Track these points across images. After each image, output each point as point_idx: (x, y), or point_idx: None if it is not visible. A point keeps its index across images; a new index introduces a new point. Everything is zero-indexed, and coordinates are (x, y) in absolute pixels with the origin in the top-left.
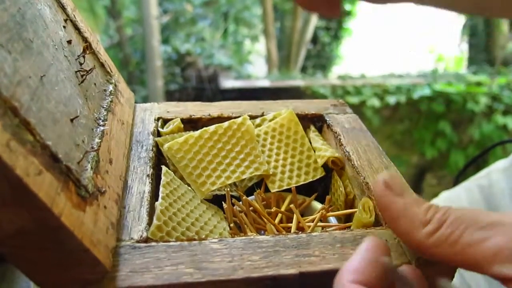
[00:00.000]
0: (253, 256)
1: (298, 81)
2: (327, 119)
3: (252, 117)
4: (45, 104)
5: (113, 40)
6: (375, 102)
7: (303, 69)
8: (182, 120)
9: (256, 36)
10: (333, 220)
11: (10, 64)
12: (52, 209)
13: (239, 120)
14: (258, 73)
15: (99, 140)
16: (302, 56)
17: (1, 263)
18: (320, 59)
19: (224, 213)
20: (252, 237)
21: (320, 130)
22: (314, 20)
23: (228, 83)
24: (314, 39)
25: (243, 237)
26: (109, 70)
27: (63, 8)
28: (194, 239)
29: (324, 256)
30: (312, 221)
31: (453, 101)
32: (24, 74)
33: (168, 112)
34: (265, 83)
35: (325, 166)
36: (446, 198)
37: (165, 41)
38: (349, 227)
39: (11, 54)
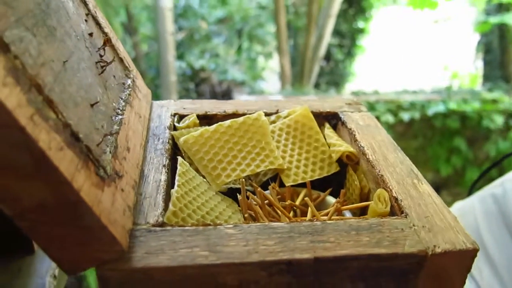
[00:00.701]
0: (268, 241)
1: (311, 97)
2: (342, 117)
3: (267, 114)
4: (67, 88)
5: (129, 56)
6: (389, 118)
7: (316, 86)
8: (198, 116)
9: (270, 53)
10: (347, 214)
11: (35, 46)
12: (72, 184)
13: (254, 115)
14: (271, 89)
15: (118, 127)
16: (315, 73)
17: (17, 258)
18: (334, 76)
19: (239, 205)
20: (267, 223)
21: (334, 128)
22: (328, 37)
23: (242, 98)
24: (328, 56)
25: (258, 224)
26: (127, 65)
27: (85, 3)
28: (209, 224)
29: (339, 243)
30: (327, 214)
31: (468, 117)
32: (48, 57)
33: (184, 108)
34: (278, 98)
35: (339, 161)
36: (460, 208)
37: (180, 57)
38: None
39: (36, 37)
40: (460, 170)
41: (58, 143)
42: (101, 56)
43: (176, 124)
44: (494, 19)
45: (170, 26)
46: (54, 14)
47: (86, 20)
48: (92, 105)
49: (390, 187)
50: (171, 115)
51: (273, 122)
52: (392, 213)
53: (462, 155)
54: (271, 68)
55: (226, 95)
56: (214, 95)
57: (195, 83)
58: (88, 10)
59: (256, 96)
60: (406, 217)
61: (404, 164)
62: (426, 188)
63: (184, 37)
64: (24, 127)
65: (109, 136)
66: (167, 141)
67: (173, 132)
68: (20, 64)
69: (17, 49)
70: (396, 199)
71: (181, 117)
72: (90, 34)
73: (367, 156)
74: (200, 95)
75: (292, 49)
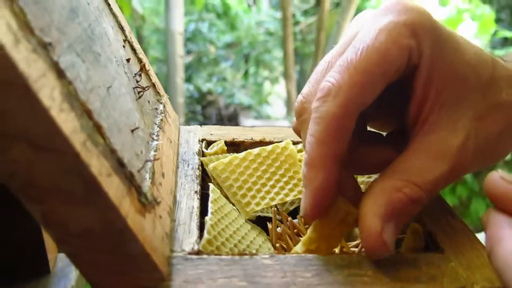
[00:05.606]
0: (305, 273)
1: None
2: None
3: (294, 143)
4: (111, 113)
5: None
6: None
7: None
8: (225, 143)
9: (276, 78)
10: None
11: (84, 72)
12: (120, 210)
13: (282, 144)
14: (277, 114)
15: (155, 153)
16: None
17: (33, 278)
18: None
19: (268, 234)
20: (303, 255)
21: None
22: None
23: (248, 122)
24: None
25: (294, 255)
26: (159, 90)
27: (122, 29)
28: (246, 254)
29: (377, 277)
30: (356, 246)
31: None
32: (95, 83)
33: (211, 134)
34: (284, 123)
35: None
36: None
37: (188, 79)
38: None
39: (85, 63)
40: (465, 201)
41: (107, 169)
42: (137, 81)
43: (205, 150)
44: (499, 53)
45: (180, 49)
46: (98, 40)
47: (124, 46)
48: (132, 131)
49: (423, 220)
50: (199, 140)
51: (301, 151)
52: (426, 248)
53: (467, 185)
54: (277, 93)
55: (233, 118)
56: (221, 118)
57: (202, 106)
58: (125, 36)
59: (263, 120)
60: (442, 253)
61: (435, 197)
62: (459, 223)
63: (192, 60)
64: (79, 153)
65: (148, 162)
66: (196, 167)
67: (202, 158)
68: (73, 90)
69: (71, 74)
70: (431, 233)
71: (209, 143)
72: (128, 60)
73: None
74: (206, 118)
75: (298, 75)
